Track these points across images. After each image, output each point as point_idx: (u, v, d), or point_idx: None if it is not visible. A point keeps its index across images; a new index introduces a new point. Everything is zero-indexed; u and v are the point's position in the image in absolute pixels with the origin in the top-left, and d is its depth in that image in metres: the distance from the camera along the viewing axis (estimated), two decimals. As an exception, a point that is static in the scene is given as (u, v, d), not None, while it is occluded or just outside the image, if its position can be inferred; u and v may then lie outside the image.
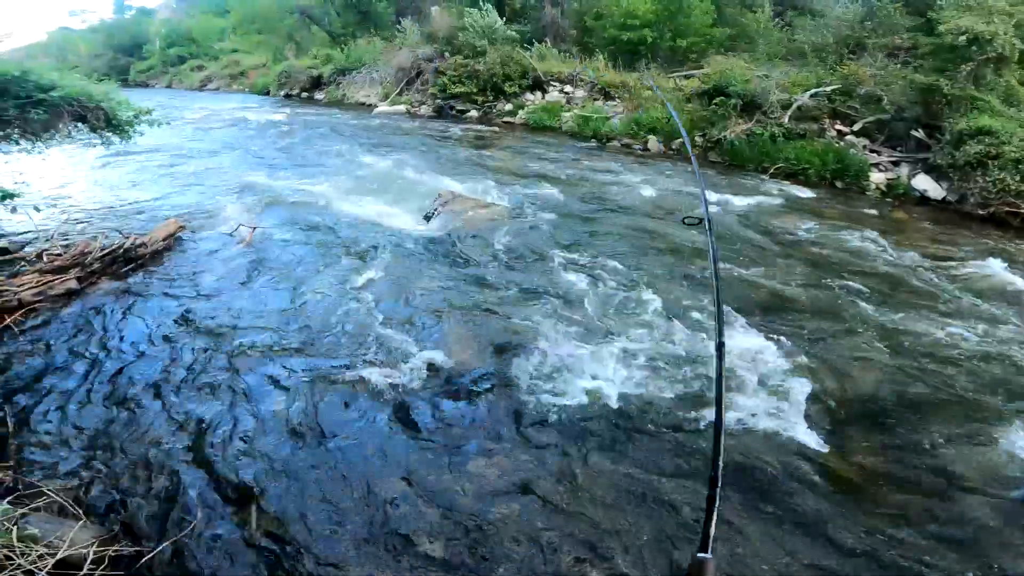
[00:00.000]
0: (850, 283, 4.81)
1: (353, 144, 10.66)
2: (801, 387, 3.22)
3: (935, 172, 8.39)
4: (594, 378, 3.22)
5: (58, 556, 1.73)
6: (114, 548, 1.98)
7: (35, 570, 1.66)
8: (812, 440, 2.82)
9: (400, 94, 16.90)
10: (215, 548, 2.15)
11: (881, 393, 3.31)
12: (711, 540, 0.82)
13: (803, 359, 3.53)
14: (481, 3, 15.96)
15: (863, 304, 4.41)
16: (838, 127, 9.85)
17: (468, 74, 15.13)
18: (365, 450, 2.68)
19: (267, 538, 2.21)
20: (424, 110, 15.80)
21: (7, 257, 4.67)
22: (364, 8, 24.35)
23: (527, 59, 14.91)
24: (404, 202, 6.54)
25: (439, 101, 15.59)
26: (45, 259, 4.52)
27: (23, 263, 4.54)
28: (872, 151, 9.30)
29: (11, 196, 4.77)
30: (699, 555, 0.80)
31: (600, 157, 10.10)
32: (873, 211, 7.57)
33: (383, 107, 16.45)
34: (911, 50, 9.94)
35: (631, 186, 7.86)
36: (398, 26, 18.81)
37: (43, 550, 1.75)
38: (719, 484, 0.90)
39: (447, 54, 16.14)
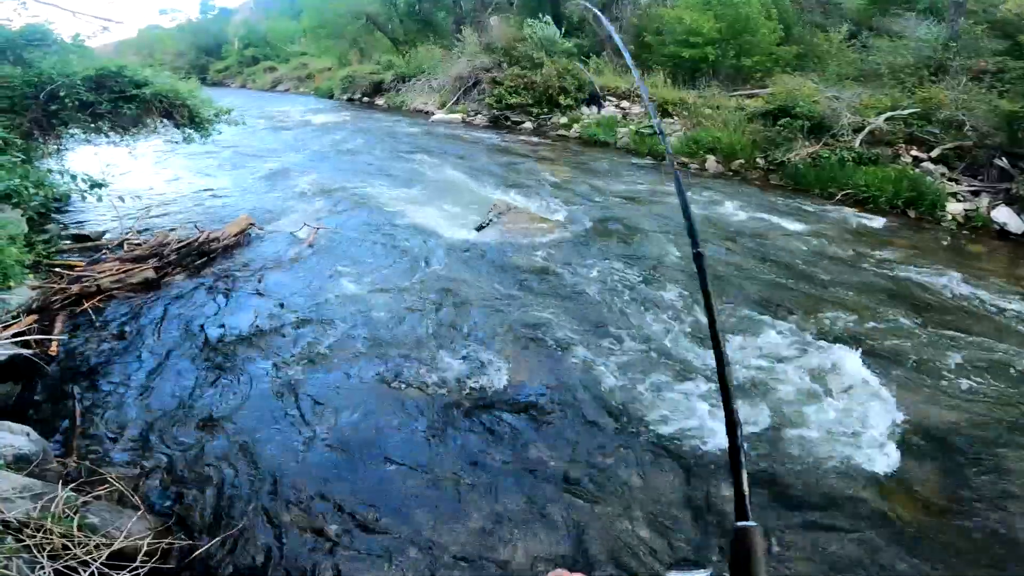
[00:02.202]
0: (923, 315, 4.50)
1: (410, 150, 10.90)
2: (872, 415, 3.08)
3: (1017, 204, 7.76)
4: (650, 405, 3.11)
5: (113, 548, 1.78)
6: (167, 540, 2.03)
7: (89, 560, 1.72)
8: (880, 468, 2.70)
9: (456, 103, 17.19)
10: (265, 546, 2.19)
11: (955, 428, 3.08)
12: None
13: (876, 387, 3.37)
14: (540, 15, 16.04)
15: (936, 337, 4.09)
16: (914, 153, 9.25)
17: (525, 85, 15.20)
18: (416, 458, 2.69)
19: (316, 538, 2.23)
20: (479, 119, 15.99)
21: (89, 244, 5.00)
22: (426, 17, 25.03)
23: (584, 73, 14.85)
24: (458, 210, 6.61)
25: (495, 111, 15.73)
26: (125, 248, 4.81)
27: (105, 251, 4.85)
28: (950, 179, 8.67)
29: (100, 186, 5.06)
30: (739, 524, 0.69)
31: (656, 175, 9.88)
32: (947, 243, 7.07)
33: (440, 115, 16.77)
34: (997, 74, 9.25)
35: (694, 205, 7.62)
36: (458, 35, 19.17)
37: (100, 540, 1.81)
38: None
39: (504, 65, 16.29)
